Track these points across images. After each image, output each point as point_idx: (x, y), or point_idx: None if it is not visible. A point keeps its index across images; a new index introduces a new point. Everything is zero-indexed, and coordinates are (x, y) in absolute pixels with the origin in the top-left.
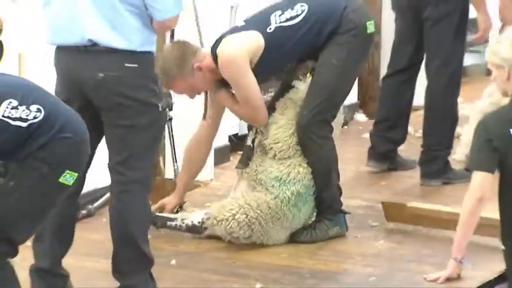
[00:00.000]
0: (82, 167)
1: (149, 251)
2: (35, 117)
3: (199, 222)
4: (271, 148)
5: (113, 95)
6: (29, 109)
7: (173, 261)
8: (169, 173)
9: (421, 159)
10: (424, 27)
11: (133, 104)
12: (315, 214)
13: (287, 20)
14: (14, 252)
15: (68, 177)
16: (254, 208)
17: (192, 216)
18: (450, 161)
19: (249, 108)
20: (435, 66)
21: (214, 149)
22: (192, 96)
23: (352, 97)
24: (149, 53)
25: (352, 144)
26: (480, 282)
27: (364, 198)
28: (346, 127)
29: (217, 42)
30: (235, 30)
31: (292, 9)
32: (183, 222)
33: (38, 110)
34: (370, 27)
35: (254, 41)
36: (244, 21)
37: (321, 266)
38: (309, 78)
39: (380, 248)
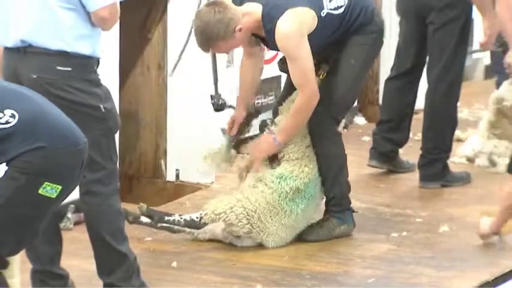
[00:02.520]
0: (66, 179)
1: (126, 248)
2: (7, 122)
3: (197, 218)
4: (281, 151)
5: (48, 95)
6: (2, 112)
7: (174, 263)
8: (170, 175)
9: (420, 162)
10: (427, 31)
11: (70, 105)
12: (319, 213)
13: (335, 8)
14: (3, 265)
15: (49, 190)
16: (252, 201)
17: (190, 213)
18: (449, 164)
19: (300, 81)
20: (436, 72)
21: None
22: (228, 53)
23: None
24: (85, 56)
25: (351, 147)
26: (480, 282)
27: (363, 200)
28: (346, 130)
29: (275, 12)
30: (293, 2)
31: None
32: (181, 218)
33: (12, 116)
34: (385, 35)
35: (312, 20)
36: None
37: (321, 267)
38: (318, 79)
39: (379, 250)
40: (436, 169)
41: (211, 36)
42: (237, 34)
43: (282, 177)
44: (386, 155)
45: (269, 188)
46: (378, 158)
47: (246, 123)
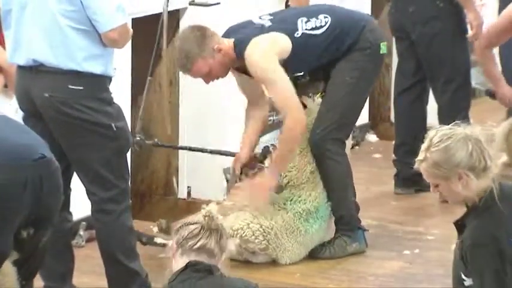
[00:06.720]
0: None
1: (137, 266)
2: None
3: None
4: (286, 176)
5: (60, 114)
6: None
7: None
8: (182, 193)
9: None
10: (418, 50)
11: (82, 124)
12: (330, 232)
13: (312, 28)
14: None
15: None
16: (268, 219)
17: None
18: None
19: (283, 104)
20: (439, 85)
21: (226, 169)
22: (208, 81)
23: (363, 118)
24: (97, 75)
25: (362, 164)
26: None
27: (374, 217)
28: (357, 147)
29: (244, 41)
30: (263, 30)
31: (317, 18)
32: None
33: None
34: (383, 48)
35: (283, 44)
36: (270, 20)
37: (332, 285)
38: (318, 99)
39: (391, 267)
40: None
41: (188, 55)
42: (216, 55)
43: (291, 199)
44: (410, 180)
45: (283, 208)
46: (402, 184)
47: (251, 167)
